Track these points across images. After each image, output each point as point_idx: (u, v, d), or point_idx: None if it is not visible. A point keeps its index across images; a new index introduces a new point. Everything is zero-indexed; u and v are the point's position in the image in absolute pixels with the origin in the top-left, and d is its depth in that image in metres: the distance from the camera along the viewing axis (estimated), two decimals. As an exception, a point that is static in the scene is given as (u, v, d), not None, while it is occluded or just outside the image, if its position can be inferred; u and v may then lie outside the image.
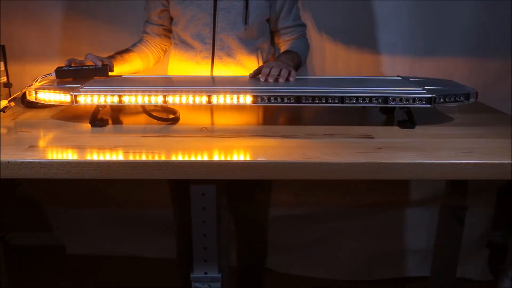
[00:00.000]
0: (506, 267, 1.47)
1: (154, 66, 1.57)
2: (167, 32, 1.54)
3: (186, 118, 1.23)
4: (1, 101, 1.22)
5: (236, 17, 1.40)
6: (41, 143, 1.04)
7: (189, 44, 1.45)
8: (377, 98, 1.13)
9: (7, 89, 1.42)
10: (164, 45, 1.57)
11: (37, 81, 1.21)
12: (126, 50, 1.47)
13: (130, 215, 2.07)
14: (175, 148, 1.00)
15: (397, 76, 1.39)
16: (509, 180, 0.95)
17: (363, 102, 1.13)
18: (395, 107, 1.21)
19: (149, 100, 1.13)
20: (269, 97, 1.13)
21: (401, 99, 1.13)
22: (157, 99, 1.13)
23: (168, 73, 1.54)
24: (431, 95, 1.13)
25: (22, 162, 0.92)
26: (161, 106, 1.29)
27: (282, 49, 1.53)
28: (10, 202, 1.97)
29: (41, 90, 1.15)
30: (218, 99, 1.13)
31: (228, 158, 0.95)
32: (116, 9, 1.80)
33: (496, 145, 1.05)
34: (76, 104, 1.12)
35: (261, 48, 1.49)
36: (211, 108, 1.35)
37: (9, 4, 1.77)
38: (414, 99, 1.13)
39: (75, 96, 1.12)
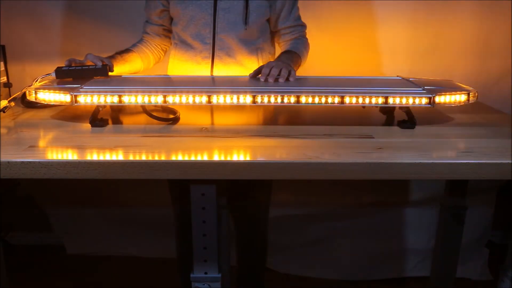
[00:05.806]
0: (506, 267, 1.47)
1: (154, 66, 1.57)
2: (167, 32, 1.54)
3: (186, 118, 1.23)
4: (1, 101, 1.22)
5: (236, 17, 1.40)
6: (41, 143, 1.04)
7: (189, 44, 1.45)
8: (377, 98, 1.13)
9: (7, 89, 1.41)
10: (164, 45, 1.57)
11: (37, 81, 1.21)
12: (126, 50, 1.47)
13: (130, 215, 2.07)
14: (175, 148, 1.00)
15: (397, 76, 1.39)
16: (509, 180, 0.95)
17: (363, 102, 1.13)
18: (395, 107, 1.21)
19: (149, 100, 1.13)
20: (269, 97, 1.13)
21: (401, 99, 1.13)
22: (157, 99, 1.12)
23: (168, 73, 1.54)
24: (431, 95, 1.13)
25: (22, 162, 0.91)
26: (161, 106, 1.29)
27: (282, 49, 1.53)
28: (10, 202, 1.97)
29: (41, 90, 1.15)
30: (218, 99, 1.13)
31: (228, 158, 0.94)
32: (116, 9, 1.80)
33: (496, 145, 1.04)
34: (76, 104, 1.12)
35: (261, 48, 1.48)
36: (211, 108, 1.35)
37: (9, 4, 1.78)
38: (414, 99, 1.14)
39: (75, 96, 1.12)
